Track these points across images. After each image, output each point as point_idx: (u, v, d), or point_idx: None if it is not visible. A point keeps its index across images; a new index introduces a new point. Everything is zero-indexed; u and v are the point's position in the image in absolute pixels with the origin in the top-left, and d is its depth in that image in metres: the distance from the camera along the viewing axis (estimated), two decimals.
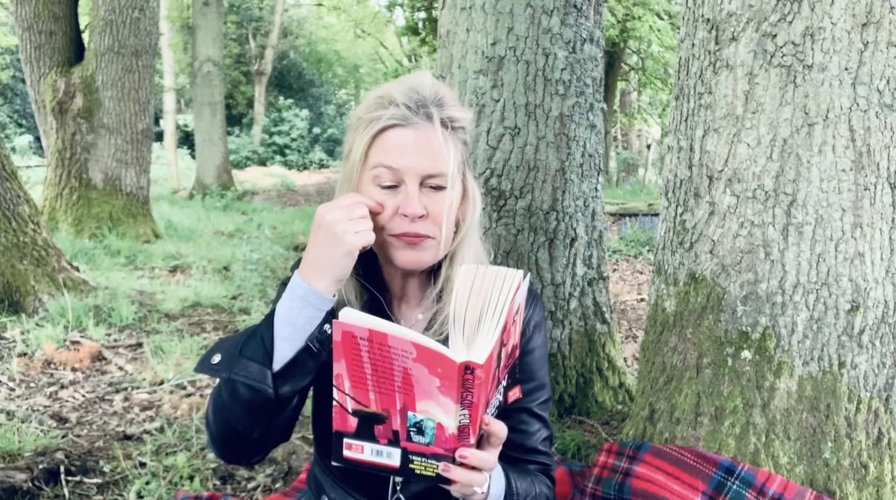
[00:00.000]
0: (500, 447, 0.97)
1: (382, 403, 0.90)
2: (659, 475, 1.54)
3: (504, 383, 1.00)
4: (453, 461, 0.92)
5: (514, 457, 1.18)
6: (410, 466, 0.93)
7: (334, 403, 0.92)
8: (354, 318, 0.85)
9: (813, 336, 1.52)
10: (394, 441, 0.92)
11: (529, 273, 2.34)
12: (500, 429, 0.95)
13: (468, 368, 0.85)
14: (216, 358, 1.02)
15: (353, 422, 0.92)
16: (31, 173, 10.70)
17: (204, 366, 1.02)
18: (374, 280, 1.18)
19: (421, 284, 1.18)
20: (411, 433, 0.91)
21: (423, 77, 1.08)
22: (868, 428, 1.53)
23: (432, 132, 1.04)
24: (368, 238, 1.01)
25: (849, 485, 1.51)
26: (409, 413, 0.90)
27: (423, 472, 0.93)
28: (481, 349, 0.88)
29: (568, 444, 2.15)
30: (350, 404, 0.91)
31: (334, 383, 0.90)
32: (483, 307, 0.93)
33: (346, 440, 0.93)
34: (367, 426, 0.92)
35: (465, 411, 0.88)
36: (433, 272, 1.16)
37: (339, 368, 0.88)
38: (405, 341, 0.84)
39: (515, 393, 1.04)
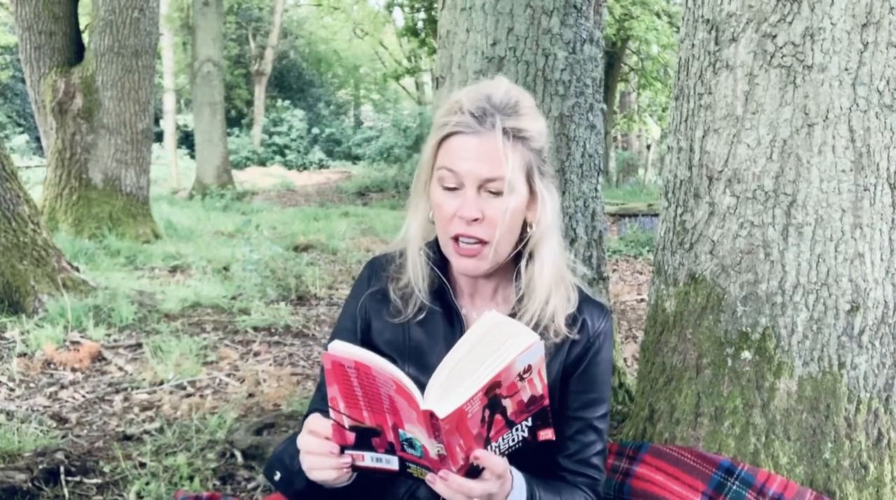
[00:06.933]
0: (493, 481, 0.97)
1: (375, 420, 0.95)
2: (659, 475, 1.54)
3: (528, 423, 1.01)
4: None
5: (566, 467, 1.19)
6: (408, 470, 0.99)
7: (332, 421, 0.98)
8: (342, 350, 0.90)
9: (813, 337, 1.52)
10: (390, 451, 0.97)
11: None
12: (495, 464, 0.96)
13: (432, 415, 0.88)
14: (278, 475, 1.15)
15: (351, 437, 0.98)
16: (31, 173, 10.69)
17: (269, 479, 1.16)
18: (447, 267, 1.21)
19: (496, 279, 1.21)
20: (404, 445, 0.96)
21: (500, 84, 1.14)
22: (868, 429, 1.53)
23: (494, 140, 1.09)
24: (325, 476, 1.02)
25: (849, 485, 1.51)
26: (400, 430, 0.94)
27: (420, 476, 0.99)
28: (450, 403, 0.89)
29: None
30: (347, 422, 0.96)
31: (330, 405, 0.95)
32: (481, 361, 0.94)
33: (346, 452, 0.99)
34: (365, 438, 0.97)
35: (441, 445, 0.92)
36: (515, 269, 1.19)
37: (333, 392, 0.94)
38: (385, 375, 0.89)
39: (547, 434, 1.04)
